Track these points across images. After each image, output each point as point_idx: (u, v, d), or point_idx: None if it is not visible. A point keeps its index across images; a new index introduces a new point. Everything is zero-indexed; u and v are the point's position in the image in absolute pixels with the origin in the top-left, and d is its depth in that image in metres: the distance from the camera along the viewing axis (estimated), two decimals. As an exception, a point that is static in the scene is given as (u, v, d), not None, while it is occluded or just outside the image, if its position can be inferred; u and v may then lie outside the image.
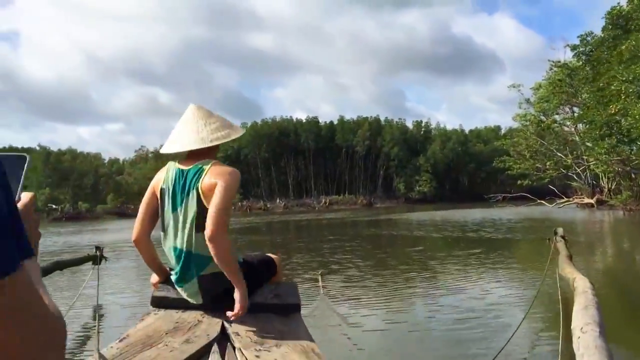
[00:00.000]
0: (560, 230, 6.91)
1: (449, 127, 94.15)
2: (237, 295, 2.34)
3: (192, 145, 2.46)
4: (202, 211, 2.34)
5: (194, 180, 2.39)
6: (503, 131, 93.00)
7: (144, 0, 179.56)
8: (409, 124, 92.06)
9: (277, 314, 2.50)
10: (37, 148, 73.74)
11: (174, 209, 2.42)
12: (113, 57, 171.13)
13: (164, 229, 2.48)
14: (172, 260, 2.49)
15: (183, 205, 2.40)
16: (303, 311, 2.72)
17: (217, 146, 2.54)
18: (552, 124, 40.00)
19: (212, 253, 2.30)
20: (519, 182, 43.05)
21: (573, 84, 34.78)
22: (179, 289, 2.50)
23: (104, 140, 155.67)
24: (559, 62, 36.53)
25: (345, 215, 36.35)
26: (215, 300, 2.44)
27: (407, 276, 8.58)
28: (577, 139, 37.85)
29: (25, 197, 0.81)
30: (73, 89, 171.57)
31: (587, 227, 19.69)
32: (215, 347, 2.14)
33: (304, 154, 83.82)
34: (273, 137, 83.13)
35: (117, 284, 8.72)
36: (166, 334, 2.23)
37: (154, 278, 2.68)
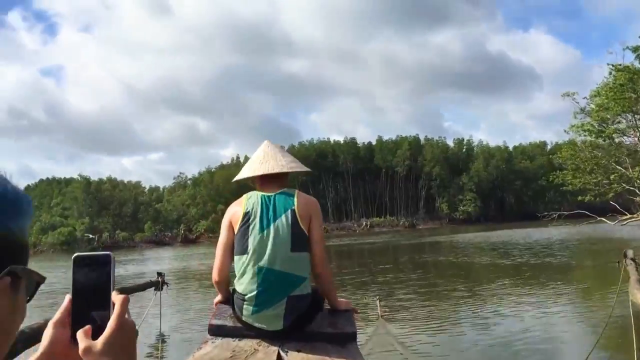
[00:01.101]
0: (630, 253, 6.55)
1: (492, 144, 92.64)
2: (342, 304, 2.76)
3: (273, 170, 2.68)
4: (298, 232, 2.53)
5: (285, 203, 2.57)
6: (549, 147, 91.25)
7: (180, 32, 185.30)
8: (450, 142, 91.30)
9: (333, 344, 2.50)
10: (78, 178, 76.07)
11: (262, 229, 2.53)
12: (152, 88, 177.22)
13: (246, 251, 2.54)
14: (253, 281, 2.52)
15: (273, 225, 2.53)
16: (360, 336, 2.80)
17: (287, 176, 2.77)
18: (613, 133, 38.47)
19: (320, 281, 2.63)
20: (579, 197, 40.01)
21: (636, 89, 33.41)
22: (251, 317, 2.54)
23: (145, 169, 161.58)
24: (620, 65, 35.03)
25: (387, 239, 35.81)
26: (297, 320, 2.52)
27: (463, 303, 8.34)
28: None
29: (118, 301, 0.80)
30: (115, 121, 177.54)
31: None
32: None
33: (343, 176, 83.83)
34: (311, 160, 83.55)
35: (176, 310, 9.22)
36: None
37: (218, 298, 2.82)
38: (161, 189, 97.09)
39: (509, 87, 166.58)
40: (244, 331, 2.56)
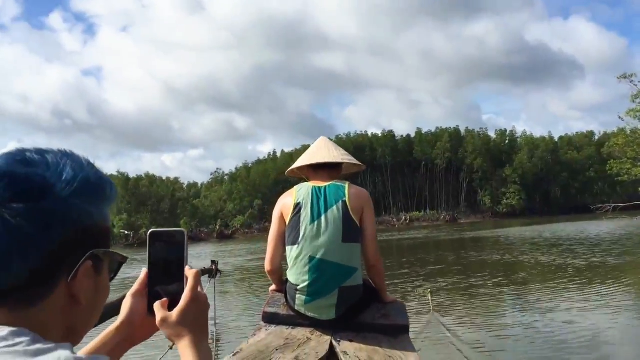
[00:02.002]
0: None
1: (535, 135, 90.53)
2: (388, 297, 2.79)
3: (324, 159, 2.75)
4: (350, 223, 2.56)
5: (336, 194, 2.61)
6: (597, 137, 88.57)
7: (216, 31, 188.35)
8: (492, 134, 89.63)
9: (386, 335, 2.53)
10: (116, 174, 77.96)
11: (313, 220, 2.56)
12: (190, 86, 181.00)
13: (298, 241, 2.57)
14: (305, 271, 2.56)
15: (325, 216, 2.56)
16: (412, 329, 2.75)
17: (340, 169, 2.84)
18: None
19: (375, 271, 2.70)
20: (638, 188, 37.25)
21: None
22: (304, 306, 2.57)
23: (185, 166, 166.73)
24: None
25: (428, 234, 35.19)
26: (349, 311, 2.56)
27: (516, 300, 8.14)
28: None
29: (191, 275, 0.85)
30: (155, 119, 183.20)
31: None
32: None
33: (381, 170, 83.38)
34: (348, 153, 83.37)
35: (229, 298, 9.65)
36: (276, 350, 2.35)
37: (272, 287, 2.89)
38: (199, 185, 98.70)
39: (550, 78, 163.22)
40: (297, 320, 2.61)
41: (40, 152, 0.69)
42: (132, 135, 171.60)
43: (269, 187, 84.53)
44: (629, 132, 37.12)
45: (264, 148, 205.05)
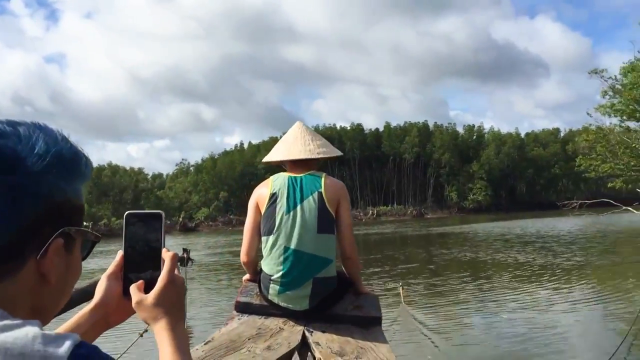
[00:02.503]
0: None
1: (503, 131, 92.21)
2: (363, 288, 2.80)
3: (301, 155, 2.71)
4: (325, 214, 2.57)
5: (312, 185, 2.61)
6: (562, 134, 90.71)
7: (183, 20, 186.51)
8: (460, 129, 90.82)
9: (358, 326, 2.56)
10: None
11: (289, 210, 2.57)
12: (157, 75, 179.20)
13: (273, 231, 2.58)
14: (280, 261, 2.56)
15: (300, 206, 2.57)
16: (383, 320, 2.77)
17: (317, 160, 2.79)
18: None
19: (350, 263, 2.71)
20: (609, 184, 37.56)
21: None
22: (277, 296, 2.58)
23: (151, 156, 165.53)
24: None
25: (395, 229, 35.36)
26: (322, 302, 2.58)
27: (482, 293, 8.26)
28: None
29: (167, 257, 0.85)
30: (120, 108, 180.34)
31: None
32: (296, 356, 2.27)
33: (349, 163, 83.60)
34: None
35: (200, 288, 9.67)
36: (248, 339, 2.37)
37: (246, 276, 2.89)
38: (164, 176, 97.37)
39: (516, 76, 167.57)
40: (269, 310, 2.63)
41: (12, 124, 0.67)
42: (96, 124, 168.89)
43: (235, 179, 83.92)
44: (589, 131, 37.59)
45: (232, 140, 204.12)
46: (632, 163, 35.20)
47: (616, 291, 7.99)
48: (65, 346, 0.58)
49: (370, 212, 73.86)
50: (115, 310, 0.88)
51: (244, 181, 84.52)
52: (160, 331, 0.81)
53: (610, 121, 37.52)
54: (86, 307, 0.87)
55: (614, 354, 4.35)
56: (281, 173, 2.74)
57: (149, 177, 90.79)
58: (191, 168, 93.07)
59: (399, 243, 22.81)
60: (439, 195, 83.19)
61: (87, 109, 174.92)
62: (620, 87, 35.56)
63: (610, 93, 36.38)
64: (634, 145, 35.94)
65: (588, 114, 37.43)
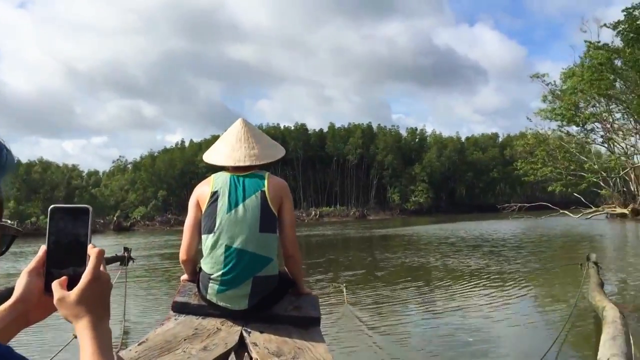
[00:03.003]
0: (593, 256, 7.22)
1: (444, 135, 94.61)
2: (305, 289, 2.83)
3: (245, 162, 2.68)
4: (267, 213, 2.58)
5: (255, 184, 2.62)
6: (501, 139, 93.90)
7: (122, 13, 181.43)
8: (403, 132, 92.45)
9: (297, 326, 2.58)
10: (5, 158, 72.69)
11: (230, 208, 2.57)
12: (94, 70, 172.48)
13: (214, 230, 2.57)
14: (220, 260, 2.55)
15: (242, 205, 2.57)
16: (326, 321, 2.76)
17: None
18: (589, 118, 34.67)
19: (292, 262, 2.72)
20: (549, 188, 38.44)
21: (615, 69, 30.55)
22: (216, 296, 2.57)
23: (88, 153, 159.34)
24: (599, 42, 31.15)
25: (337, 231, 35.38)
26: (262, 301, 2.58)
27: (422, 293, 8.41)
28: (617, 136, 33.48)
29: (93, 253, 0.82)
30: (56, 103, 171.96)
31: (622, 243, 18.44)
32: (232, 357, 2.29)
33: (292, 164, 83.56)
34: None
35: (139, 288, 9.63)
36: (185, 340, 2.34)
37: (184, 276, 2.87)
38: (101, 174, 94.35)
39: (456, 81, 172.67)
40: (207, 310, 2.62)
41: None
42: (29, 119, 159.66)
43: (175, 178, 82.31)
44: (529, 135, 38.86)
45: (174, 138, 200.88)
46: (572, 167, 36.47)
47: (552, 295, 8.33)
48: None
49: (313, 212, 74.05)
50: (36, 307, 0.84)
51: (184, 180, 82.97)
52: (82, 330, 0.79)
53: (549, 126, 38.99)
54: (5, 304, 0.83)
55: (545, 355, 4.50)
56: (223, 172, 2.73)
57: (84, 174, 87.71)
58: (129, 166, 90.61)
59: (342, 246, 22.80)
60: (382, 196, 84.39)
61: (21, 104, 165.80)
62: (559, 92, 36.82)
63: (550, 98, 37.66)
64: (572, 149, 37.27)
65: (528, 118, 38.87)
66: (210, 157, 2.83)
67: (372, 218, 71.96)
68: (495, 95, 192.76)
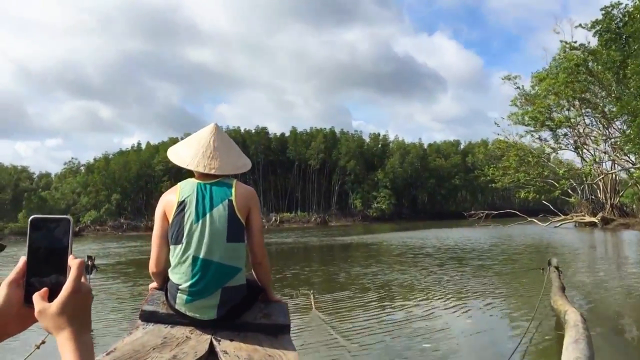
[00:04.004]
0: (554, 261, 7.41)
1: (407, 140, 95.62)
2: (273, 296, 2.85)
3: (212, 171, 2.67)
4: (235, 222, 2.59)
5: (222, 193, 2.62)
6: (462, 146, 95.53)
7: (75, 12, 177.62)
8: (366, 137, 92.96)
9: (266, 334, 2.59)
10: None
11: (197, 219, 2.57)
12: (47, 70, 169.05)
13: (181, 240, 2.57)
14: (188, 271, 2.55)
15: (209, 215, 2.57)
16: (295, 327, 2.75)
17: None
18: (563, 121, 34.11)
19: (261, 270, 2.74)
20: (523, 194, 37.79)
21: (592, 71, 30.12)
22: (184, 306, 2.57)
23: (41, 155, 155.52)
24: (575, 42, 30.61)
25: (297, 238, 34.89)
26: (230, 311, 2.58)
27: (387, 301, 8.45)
28: (590, 141, 33.43)
29: (74, 265, 0.83)
30: (7, 103, 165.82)
31: (590, 250, 18.80)
32: None
33: (253, 168, 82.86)
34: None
35: (102, 296, 9.57)
36: (153, 349, 2.33)
37: (153, 284, 2.85)
38: (52, 176, 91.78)
39: (415, 89, 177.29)
40: (176, 319, 2.61)
41: None
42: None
43: (130, 181, 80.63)
44: (500, 139, 38.71)
45: (131, 141, 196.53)
46: (545, 173, 36.29)
47: (515, 299, 8.46)
48: None
49: (274, 218, 73.69)
50: (15, 319, 0.83)
51: (139, 183, 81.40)
52: (64, 342, 0.79)
53: (516, 131, 39.11)
54: None
55: (511, 356, 4.58)
56: (189, 180, 2.73)
57: (34, 176, 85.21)
58: (82, 168, 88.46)
59: (303, 256, 22.18)
60: (344, 202, 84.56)
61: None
62: (528, 97, 36.58)
63: (520, 102, 37.53)
64: (543, 155, 37.20)
65: (496, 123, 38.61)
66: (173, 155, 2.82)
67: (333, 224, 72.06)
68: (453, 103, 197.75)
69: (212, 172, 2.68)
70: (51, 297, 0.81)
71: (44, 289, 0.82)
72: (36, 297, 0.81)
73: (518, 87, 37.65)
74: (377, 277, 11.86)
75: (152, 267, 2.73)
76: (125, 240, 37.62)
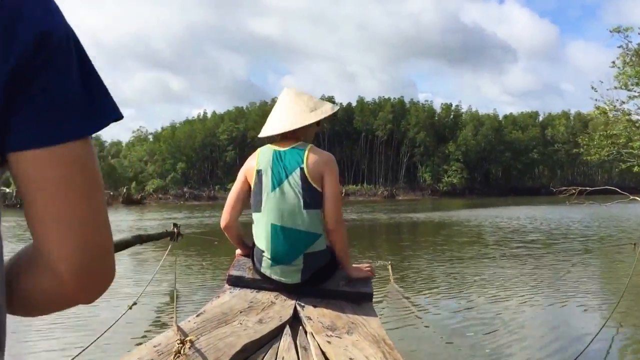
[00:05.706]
0: None
1: (481, 112, 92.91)
2: (352, 269, 2.80)
3: (293, 126, 2.73)
4: (309, 189, 2.64)
5: (294, 160, 2.68)
6: (541, 117, 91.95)
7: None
8: (437, 107, 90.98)
9: (349, 302, 2.67)
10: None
11: (274, 187, 2.66)
12: (118, 41, 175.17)
13: (261, 209, 2.69)
14: (268, 238, 2.67)
15: (285, 183, 2.66)
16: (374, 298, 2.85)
17: (312, 129, 2.90)
18: None
19: (334, 237, 2.72)
20: (617, 169, 34.69)
21: None
22: (270, 269, 2.69)
23: (114, 126, 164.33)
24: None
25: (363, 214, 33.22)
26: (314, 276, 2.69)
27: (470, 277, 8.05)
28: None
29: None
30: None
31: None
32: (287, 329, 2.30)
33: (319, 139, 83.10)
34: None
35: (191, 262, 10.09)
36: (240, 312, 2.45)
37: (239, 251, 3.02)
38: (123, 144, 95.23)
39: (484, 60, 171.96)
40: (261, 284, 2.75)
41: None
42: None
43: (195, 150, 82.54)
44: (596, 109, 34.61)
45: (199, 111, 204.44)
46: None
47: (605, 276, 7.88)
48: None
49: (339, 190, 73.80)
50: None
51: (204, 152, 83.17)
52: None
53: (617, 96, 35.75)
54: None
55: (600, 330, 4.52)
56: (267, 146, 2.80)
57: (106, 144, 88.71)
58: (149, 136, 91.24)
59: (369, 236, 21.02)
60: (412, 176, 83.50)
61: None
62: None
63: (634, 59, 32.85)
64: None
65: (593, 88, 33.26)
66: (262, 131, 2.88)
67: (401, 198, 71.16)
68: (525, 75, 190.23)
69: (279, 131, 2.76)
70: None
71: None
72: None
73: (629, 42, 32.33)
74: (463, 263, 11.23)
75: (222, 221, 2.89)
76: (186, 210, 38.20)
